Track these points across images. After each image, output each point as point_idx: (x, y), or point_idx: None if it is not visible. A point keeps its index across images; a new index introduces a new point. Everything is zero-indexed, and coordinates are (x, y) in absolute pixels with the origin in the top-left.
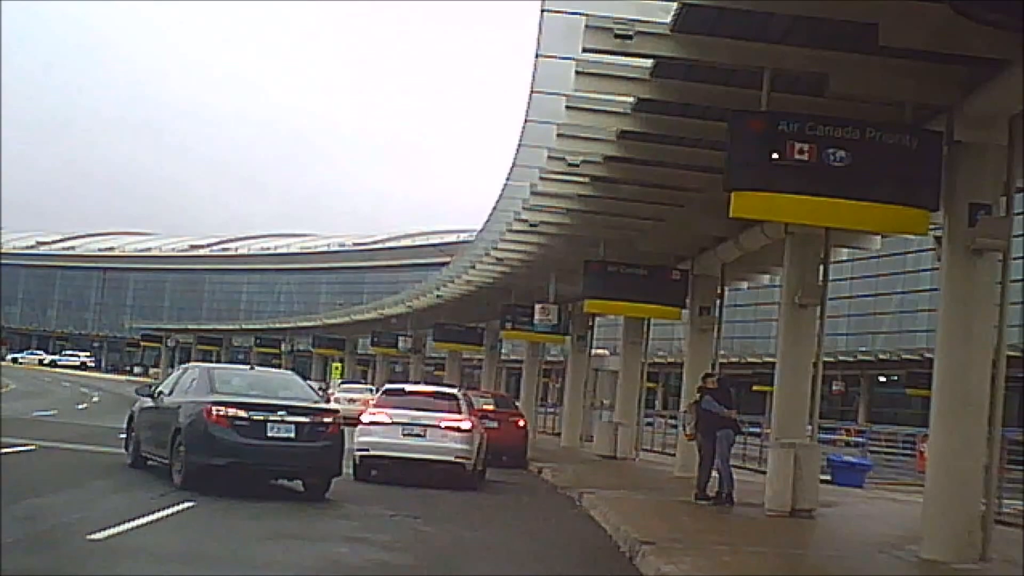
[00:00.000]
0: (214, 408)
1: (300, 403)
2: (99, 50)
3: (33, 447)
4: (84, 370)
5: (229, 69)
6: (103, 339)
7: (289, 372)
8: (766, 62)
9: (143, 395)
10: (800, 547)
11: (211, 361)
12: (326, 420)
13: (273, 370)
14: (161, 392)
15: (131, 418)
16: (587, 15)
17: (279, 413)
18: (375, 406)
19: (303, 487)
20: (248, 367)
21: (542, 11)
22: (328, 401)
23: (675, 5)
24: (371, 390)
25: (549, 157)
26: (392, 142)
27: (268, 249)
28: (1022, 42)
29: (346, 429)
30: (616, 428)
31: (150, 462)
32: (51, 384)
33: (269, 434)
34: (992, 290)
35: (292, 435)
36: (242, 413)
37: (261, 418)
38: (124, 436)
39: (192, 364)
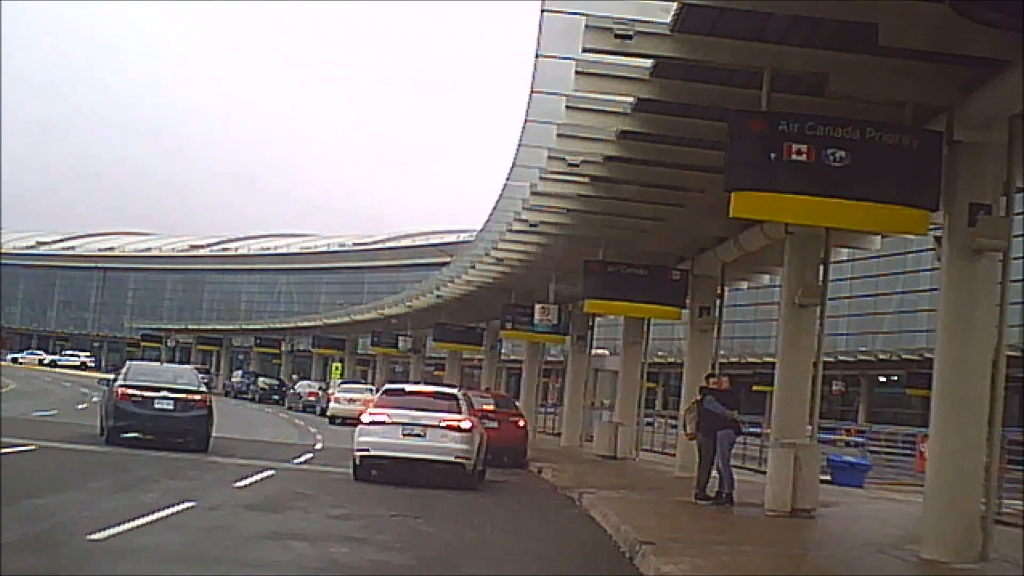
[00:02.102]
0: (119, 389)
1: (180, 386)
2: (99, 50)
3: (33, 447)
4: (84, 370)
5: (229, 69)
6: (103, 339)
7: (187, 366)
8: (766, 62)
9: (103, 385)
10: (800, 547)
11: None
12: (196, 398)
13: (178, 365)
14: (112, 382)
15: (100, 403)
16: (587, 15)
17: (162, 392)
18: (375, 406)
19: (192, 444)
20: (159, 363)
21: (542, 11)
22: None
23: (675, 5)
24: (371, 390)
25: (549, 157)
26: (392, 142)
27: (268, 249)
28: (1022, 42)
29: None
30: (616, 428)
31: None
32: (51, 384)
33: (155, 407)
34: (992, 290)
35: (171, 407)
36: (137, 392)
37: (150, 395)
38: (98, 417)
39: (129, 362)
